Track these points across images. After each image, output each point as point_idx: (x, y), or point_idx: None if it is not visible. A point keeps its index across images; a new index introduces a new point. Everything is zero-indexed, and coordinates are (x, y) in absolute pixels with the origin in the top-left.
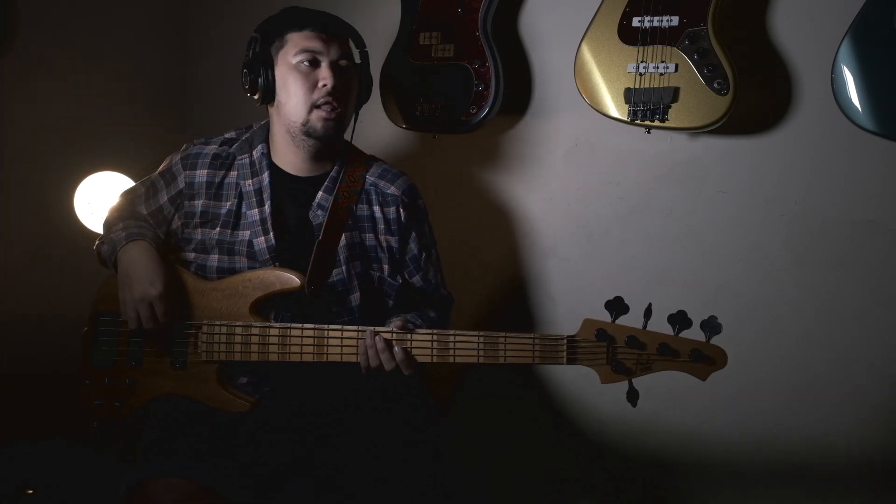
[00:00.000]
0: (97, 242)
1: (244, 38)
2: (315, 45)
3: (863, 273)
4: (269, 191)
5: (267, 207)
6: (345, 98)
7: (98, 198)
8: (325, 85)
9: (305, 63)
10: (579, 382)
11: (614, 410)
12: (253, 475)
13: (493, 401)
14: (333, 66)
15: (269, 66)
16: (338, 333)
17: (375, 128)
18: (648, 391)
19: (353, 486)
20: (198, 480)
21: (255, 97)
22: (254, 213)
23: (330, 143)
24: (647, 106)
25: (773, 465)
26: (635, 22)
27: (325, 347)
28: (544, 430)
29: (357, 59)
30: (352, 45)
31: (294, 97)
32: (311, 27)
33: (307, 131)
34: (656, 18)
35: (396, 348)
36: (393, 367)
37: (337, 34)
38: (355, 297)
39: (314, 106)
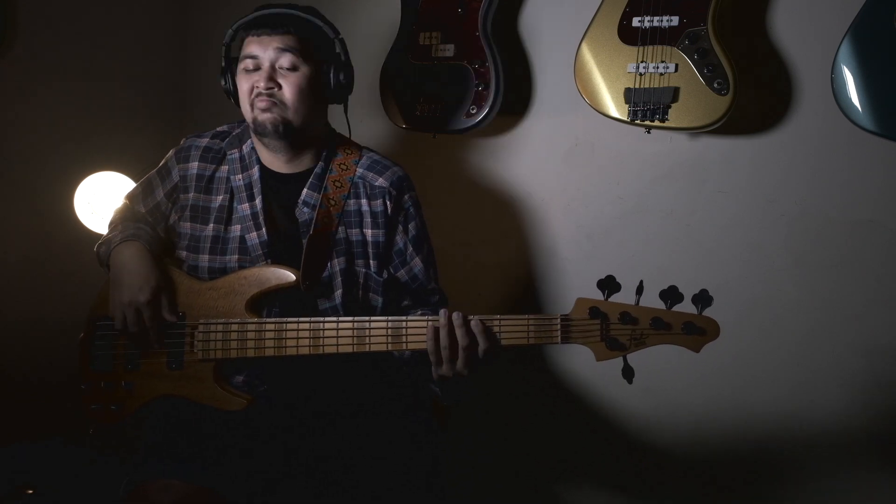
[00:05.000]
0: (96, 245)
1: None
2: (253, 49)
3: (863, 273)
4: (259, 185)
5: (258, 202)
6: (291, 94)
7: (98, 198)
8: (256, 87)
9: (248, 69)
10: (578, 385)
11: (613, 410)
12: (250, 476)
13: (492, 399)
14: (271, 69)
15: (231, 71)
16: (333, 325)
17: (375, 128)
18: (648, 390)
19: (351, 486)
20: (196, 481)
21: (233, 101)
22: (245, 208)
23: (295, 140)
24: (647, 106)
25: (774, 464)
26: (635, 22)
27: (321, 340)
28: (543, 428)
29: (337, 50)
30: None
31: (241, 100)
32: (252, 32)
33: (256, 130)
34: (656, 18)
35: (473, 321)
36: (467, 343)
37: (278, 33)
38: (338, 294)
39: (252, 105)
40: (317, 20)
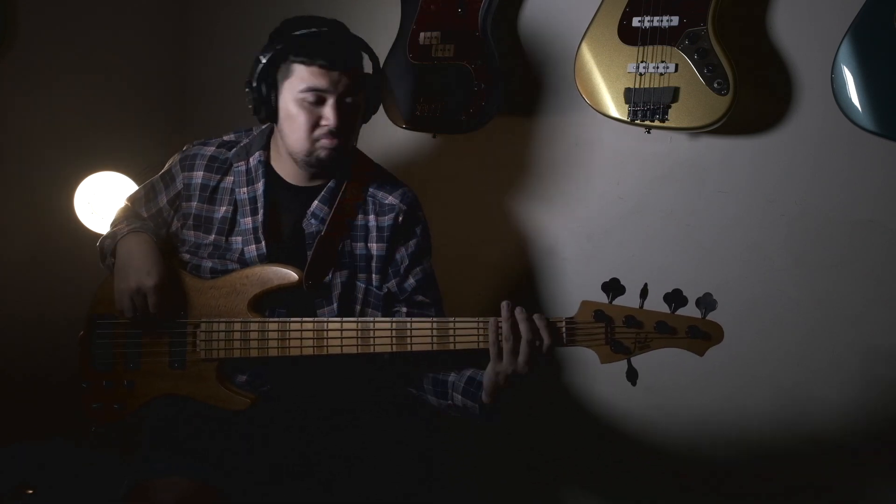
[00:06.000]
0: (100, 239)
1: (244, 38)
2: (322, 83)
3: (863, 273)
4: (262, 199)
5: (260, 216)
6: (348, 130)
7: (98, 198)
8: (327, 124)
9: (309, 101)
10: (578, 383)
11: (613, 410)
12: (253, 474)
13: None
14: (339, 104)
15: (274, 89)
16: (337, 326)
17: (375, 128)
18: (649, 389)
19: (353, 485)
20: (198, 479)
21: (259, 117)
22: (247, 222)
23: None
24: (647, 106)
25: (774, 464)
26: (635, 22)
27: (325, 340)
28: (542, 426)
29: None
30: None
31: (297, 131)
32: (320, 61)
33: (309, 162)
34: (656, 18)
35: (536, 315)
36: (531, 336)
37: (347, 66)
38: (336, 307)
39: (315, 140)
40: (367, 51)
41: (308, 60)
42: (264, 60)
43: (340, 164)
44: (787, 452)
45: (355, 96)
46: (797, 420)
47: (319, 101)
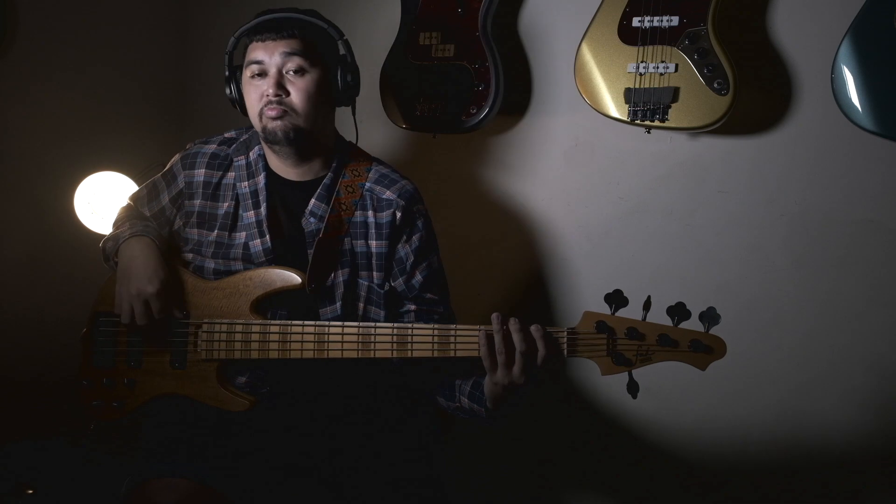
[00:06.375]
0: (103, 240)
1: None
2: (259, 55)
3: (863, 273)
4: (265, 192)
5: (263, 210)
6: (300, 99)
7: (98, 198)
8: (265, 95)
9: (254, 76)
10: (577, 385)
11: (613, 411)
12: (253, 475)
13: None
14: (278, 74)
15: (237, 81)
16: (338, 329)
17: (375, 128)
18: (648, 391)
19: (353, 486)
20: (198, 480)
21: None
22: (250, 216)
23: (306, 146)
24: (647, 106)
25: (773, 464)
26: (635, 22)
27: (326, 344)
28: (541, 429)
29: (342, 51)
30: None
31: (250, 108)
32: (256, 37)
33: (267, 138)
34: (656, 18)
35: (533, 326)
36: (525, 347)
37: (283, 37)
38: (339, 306)
39: (261, 113)
40: (321, 22)
41: (248, 40)
42: (227, 49)
43: (300, 139)
44: (788, 452)
45: (303, 64)
46: (797, 420)
47: (262, 74)
